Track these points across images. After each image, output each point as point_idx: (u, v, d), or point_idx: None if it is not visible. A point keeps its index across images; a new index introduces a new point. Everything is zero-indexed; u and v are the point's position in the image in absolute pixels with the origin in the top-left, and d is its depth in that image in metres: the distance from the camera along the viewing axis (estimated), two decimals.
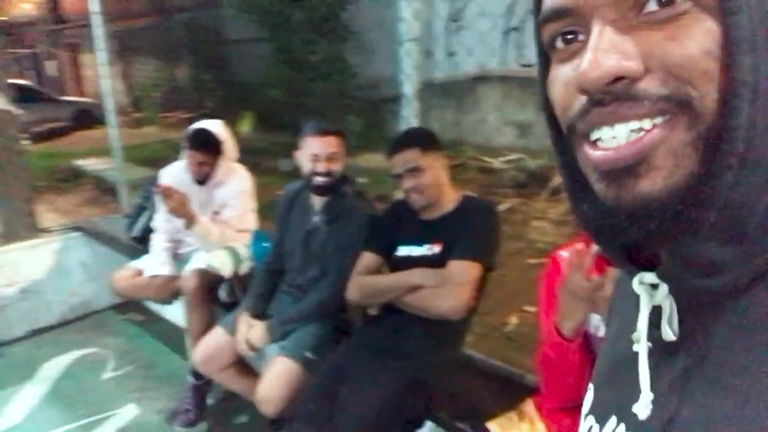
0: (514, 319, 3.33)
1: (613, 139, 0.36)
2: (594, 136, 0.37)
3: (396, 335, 1.86)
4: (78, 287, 3.79)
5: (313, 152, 2.09)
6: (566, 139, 0.40)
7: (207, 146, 2.56)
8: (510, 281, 3.53)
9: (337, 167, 2.12)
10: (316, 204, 2.20)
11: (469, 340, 2.17)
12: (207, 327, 2.47)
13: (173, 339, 3.31)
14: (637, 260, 0.42)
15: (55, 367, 3.22)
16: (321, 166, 2.09)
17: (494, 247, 1.82)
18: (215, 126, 2.64)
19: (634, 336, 0.43)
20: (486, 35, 7.78)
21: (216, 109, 9.84)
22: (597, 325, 1.29)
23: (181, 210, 2.47)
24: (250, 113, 8.55)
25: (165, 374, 3.09)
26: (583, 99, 0.37)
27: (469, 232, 1.78)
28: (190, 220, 2.50)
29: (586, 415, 0.49)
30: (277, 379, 2.02)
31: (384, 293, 1.87)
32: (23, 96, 12.35)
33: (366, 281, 1.90)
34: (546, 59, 0.42)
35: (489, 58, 7.93)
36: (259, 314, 2.25)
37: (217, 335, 2.32)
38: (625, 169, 0.36)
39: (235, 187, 2.67)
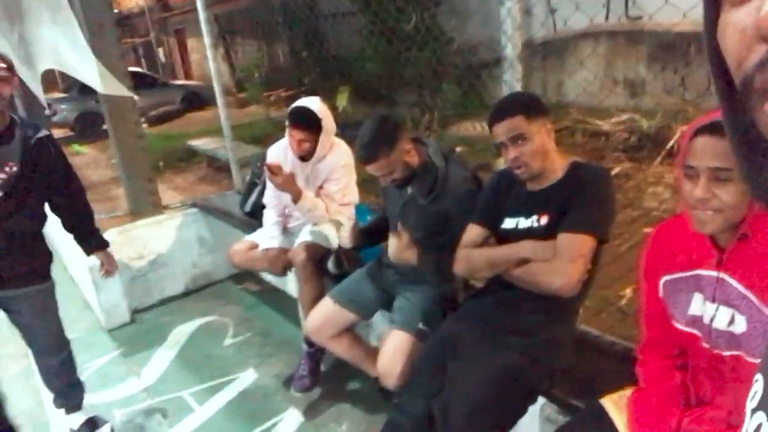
0: (629, 293, 3.18)
1: None
2: None
3: (505, 310, 1.82)
4: (198, 259, 4.08)
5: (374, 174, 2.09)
6: (740, 96, 0.35)
7: (306, 124, 2.62)
8: (624, 252, 3.36)
9: (400, 172, 2.09)
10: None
11: (583, 315, 2.09)
12: (317, 297, 2.57)
13: (287, 308, 3.49)
14: None
15: (182, 333, 3.51)
16: (387, 180, 2.10)
17: (608, 218, 1.70)
18: (314, 103, 2.69)
19: None
20: None
21: (314, 85, 10.05)
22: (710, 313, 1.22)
23: (288, 186, 2.56)
24: (346, 87, 8.65)
25: (281, 341, 3.27)
26: (763, 48, 0.32)
27: (580, 201, 1.66)
28: (296, 196, 2.59)
29: (754, 411, 0.44)
30: (395, 352, 2.07)
31: (492, 266, 1.82)
32: (139, 82, 13.35)
33: (474, 254, 1.86)
34: (715, 1, 0.36)
35: (594, 12, 7.45)
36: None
37: (326, 305, 2.41)
38: None
39: (337, 161, 2.73)
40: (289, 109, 2.70)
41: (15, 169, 2.12)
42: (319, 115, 2.63)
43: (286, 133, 2.69)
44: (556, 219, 1.70)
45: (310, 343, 2.69)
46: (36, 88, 4.02)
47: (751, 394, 0.45)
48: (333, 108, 9.24)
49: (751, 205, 1.12)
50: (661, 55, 6.88)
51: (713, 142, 1.10)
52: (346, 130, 3.14)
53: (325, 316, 2.40)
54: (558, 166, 1.77)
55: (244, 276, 4.09)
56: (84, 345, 3.31)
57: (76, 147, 9.52)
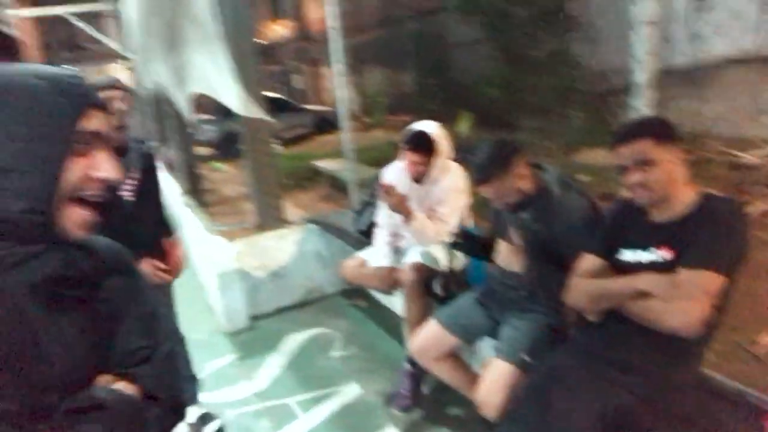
0: (766, 339, 2.85)
1: None
2: None
3: (620, 345, 1.70)
4: (313, 273, 4.26)
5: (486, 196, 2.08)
6: None
7: (421, 147, 2.67)
8: (763, 295, 3.02)
9: (513, 197, 2.06)
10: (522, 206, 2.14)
11: (710, 359, 1.90)
12: (423, 318, 2.58)
13: (394, 326, 3.52)
14: None
15: (293, 342, 3.66)
16: (499, 203, 2.08)
17: (738, 254, 1.54)
18: (429, 127, 2.73)
19: None
20: (740, 13, 6.76)
21: (437, 110, 10.19)
22: None
23: (400, 207, 2.61)
24: (468, 113, 8.67)
25: (385, 358, 3.31)
26: None
27: (708, 235, 1.53)
28: (407, 216, 2.63)
29: None
30: (495, 382, 2.02)
31: (607, 299, 1.71)
32: (275, 106, 14.32)
33: (588, 284, 1.76)
34: None
35: (742, 38, 6.87)
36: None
37: (432, 327, 2.40)
38: None
39: (450, 184, 2.74)
40: (406, 132, 2.76)
41: (137, 175, 2.34)
42: (434, 139, 2.66)
43: (402, 156, 2.76)
44: (681, 254, 1.57)
45: (413, 363, 2.69)
46: (186, 108, 4.47)
47: None
48: (453, 133, 9.31)
49: None
50: None
51: None
52: (465, 155, 3.14)
53: (429, 338, 2.40)
54: (686, 197, 1.64)
55: (354, 292, 4.20)
56: (204, 346, 3.57)
57: (217, 164, 10.37)
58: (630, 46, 2.00)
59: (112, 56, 13.76)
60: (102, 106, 0.81)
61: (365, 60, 13.77)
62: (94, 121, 0.79)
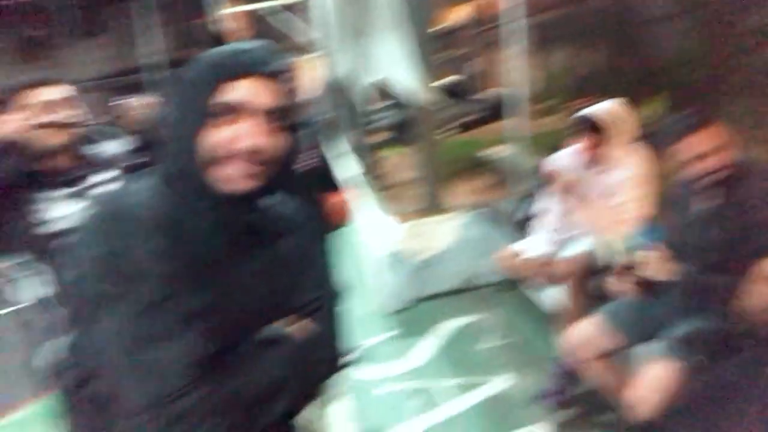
0: None
1: None
2: None
3: None
4: (472, 261, 4.21)
5: (691, 154, 1.82)
6: None
7: (596, 129, 2.48)
8: None
9: (726, 158, 1.80)
10: (707, 198, 1.91)
11: None
12: (583, 314, 2.43)
13: (550, 320, 3.37)
14: None
15: (448, 327, 3.68)
16: (707, 166, 1.81)
17: None
18: (609, 108, 2.52)
19: None
20: None
21: (625, 93, 9.42)
22: None
23: (567, 194, 2.47)
24: (660, 95, 7.86)
25: (538, 353, 3.18)
26: None
27: None
28: (575, 204, 2.48)
29: None
30: (653, 381, 1.86)
31: None
32: (450, 92, 14.38)
33: None
34: None
35: None
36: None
37: (593, 324, 2.25)
38: None
39: (627, 172, 2.51)
40: (578, 114, 2.59)
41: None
42: (612, 120, 2.45)
43: (575, 139, 2.60)
44: None
45: (566, 361, 2.55)
46: (365, 95, 4.71)
47: None
48: (644, 116, 8.51)
49: None
50: None
51: None
52: (657, 140, 2.86)
53: (587, 336, 2.25)
54: None
55: (513, 283, 4.08)
56: (364, 323, 3.74)
57: (391, 149, 10.75)
58: None
59: (304, 49, 14.97)
60: (267, 76, 0.83)
61: (547, 40, 13.17)
62: (241, 92, 0.81)
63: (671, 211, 2.11)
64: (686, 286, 2.03)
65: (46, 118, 1.56)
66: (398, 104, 12.29)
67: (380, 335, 3.68)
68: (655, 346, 2.01)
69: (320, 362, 0.94)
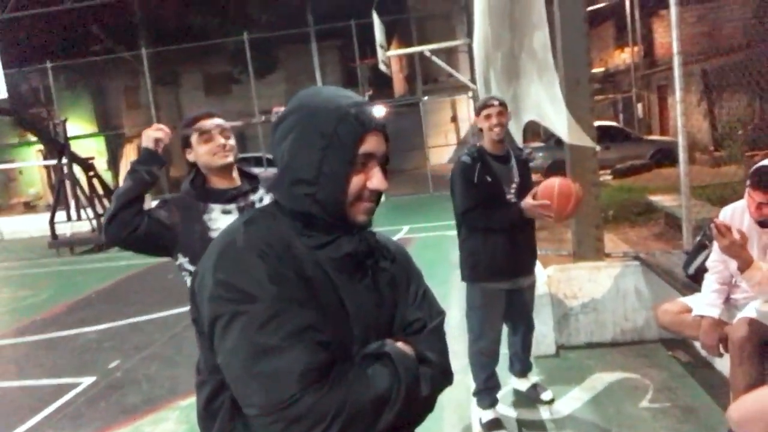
0: None
1: None
2: None
3: None
4: (631, 313, 4.00)
5: None
6: None
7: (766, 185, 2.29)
8: None
9: None
10: None
11: None
12: (752, 385, 2.22)
13: (718, 389, 3.09)
14: None
15: (600, 380, 3.51)
16: None
17: None
18: None
19: None
20: None
21: None
22: None
23: (735, 251, 2.29)
24: None
25: (701, 422, 2.92)
26: None
27: None
28: (745, 264, 2.30)
29: None
30: None
31: None
32: (610, 135, 13.76)
33: None
34: None
35: None
36: None
37: (762, 397, 2.06)
38: None
39: None
40: (753, 167, 2.42)
41: (517, 179, 2.95)
42: None
43: (746, 195, 2.42)
44: None
45: None
46: (518, 136, 4.72)
47: None
48: None
49: None
50: None
51: None
52: None
53: (756, 410, 2.05)
54: None
55: (676, 342, 3.79)
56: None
57: None
58: None
59: (463, 88, 15.28)
60: (380, 130, 1.01)
61: (723, 86, 12.18)
62: (371, 144, 0.99)
63: None
64: None
65: (221, 142, 1.91)
66: (554, 145, 12.07)
67: (527, 379, 3.62)
68: None
69: (427, 377, 1.01)
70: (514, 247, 2.92)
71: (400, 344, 1.01)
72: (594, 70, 17.84)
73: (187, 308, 1.05)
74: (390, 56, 13.78)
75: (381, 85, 21.09)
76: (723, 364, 3.09)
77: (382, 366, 0.95)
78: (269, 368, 0.87)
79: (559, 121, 3.81)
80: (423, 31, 19.07)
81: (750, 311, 2.40)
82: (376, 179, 1.00)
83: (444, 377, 1.06)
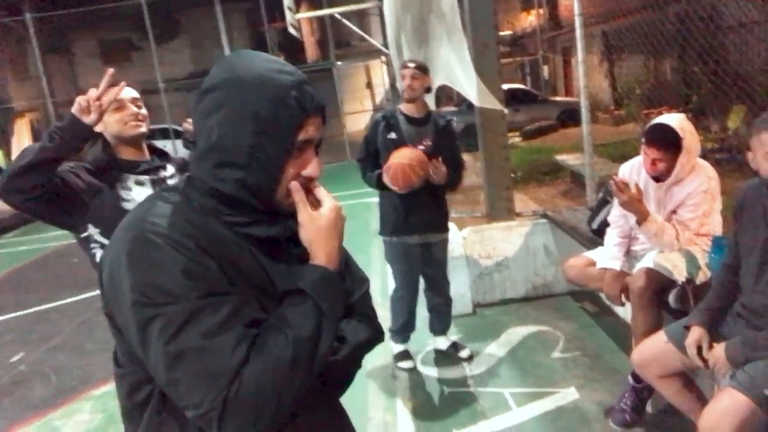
0: None
1: None
2: None
3: None
4: (541, 269, 4.19)
5: None
6: None
7: (663, 143, 2.42)
8: None
9: None
10: None
11: None
12: (651, 330, 2.38)
13: (622, 334, 3.31)
14: None
15: (515, 334, 3.68)
16: None
17: None
18: (675, 120, 2.46)
19: None
20: None
21: (703, 102, 9.02)
22: None
23: (634, 205, 2.43)
24: (742, 107, 7.49)
25: (609, 367, 3.13)
26: None
27: None
28: (642, 217, 2.44)
29: None
30: (725, 413, 1.79)
31: None
32: (517, 98, 14.21)
33: None
34: None
35: None
36: (711, 331, 2.04)
37: (659, 340, 2.21)
38: None
39: (696, 186, 2.45)
40: (647, 125, 2.55)
41: (429, 143, 3.04)
42: (680, 134, 2.41)
43: (641, 151, 2.55)
44: None
45: (637, 378, 2.50)
46: (430, 100, 4.74)
47: None
48: (724, 129, 8.12)
49: None
50: None
51: None
52: (735, 154, 2.77)
53: (654, 353, 2.21)
54: None
55: (583, 294, 4.02)
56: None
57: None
58: None
59: (376, 53, 15.16)
60: (320, 113, 0.96)
61: (621, 47, 12.80)
62: (311, 129, 0.94)
63: (745, 216, 2.02)
64: (751, 310, 1.95)
65: (134, 110, 1.84)
66: (467, 109, 12.30)
67: (447, 337, 3.72)
68: (730, 372, 1.91)
69: (360, 330, 1.01)
70: (421, 205, 3.09)
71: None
72: (501, 33, 18.22)
73: (96, 292, 0.96)
74: (299, 19, 13.39)
75: (292, 50, 20.50)
76: (625, 312, 3.31)
77: (301, 301, 0.91)
78: (198, 368, 0.81)
79: (468, 84, 3.84)
80: None
81: (648, 261, 2.56)
82: (311, 167, 0.96)
83: (376, 332, 1.06)
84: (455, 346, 3.49)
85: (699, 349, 2.02)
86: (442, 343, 3.52)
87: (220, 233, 0.91)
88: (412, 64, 3.09)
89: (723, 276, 2.12)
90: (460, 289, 4.00)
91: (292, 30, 11.97)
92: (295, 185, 0.95)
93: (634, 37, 12.20)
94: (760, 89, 7.04)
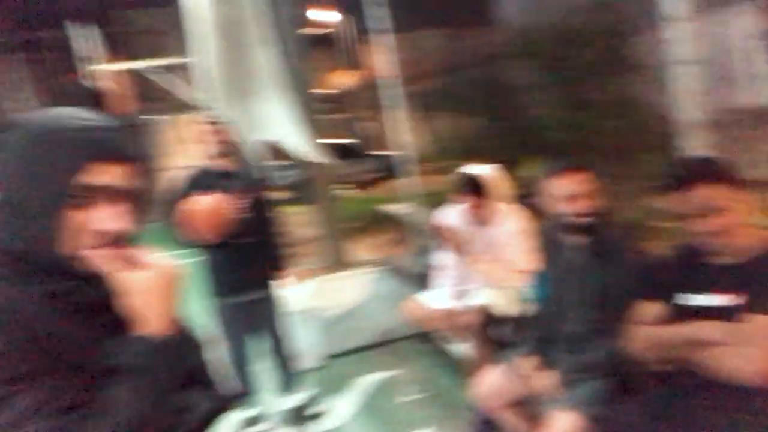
0: None
1: None
2: None
3: (689, 399, 1.65)
4: (386, 315, 4.29)
5: (564, 193, 2.03)
6: None
7: (475, 190, 2.74)
8: None
9: (593, 204, 2.02)
10: (574, 245, 2.12)
11: None
12: (487, 363, 2.59)
13: (462, 372, 3.52)
14: None
15: (366, 383, 3.73)
16: (577, 207, 2.01)
17: None
18: (484, 170, 2.80)
19: None
20: None
21: (505, 154, 10.19)
22: None
23: (456, 248, 2.67)
24: (532, 157, 8.65)
25: (458, 405, 3.23)
26: None
27: None
28: (469, 258, 2.69)
29: None
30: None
31: (667, 346, 1.68)
32: (344, 152, 14.83)
33: (647, 332, 1.74)
34: None
35: None
36: (541, 358, 2.26)
37: (495, 373, 2.38)
38: None
39: (510, 227, 2.78)
40: (459, 174, 2.85)
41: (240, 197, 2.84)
42: (487, 182, 2.73)
43: (461, 199, 2.84)
44: (750, 300, 1.54)
45: (480, 413, 2.67)
46: (254, 154, 4.72)
47: None
48: (518, 177, 9.24)
49: None
50: None
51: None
52: (532, 199, 3.17)
53: (492, 385, 2.37)
54: (753, 239, 1.60)
55: (425, 336, 4.22)
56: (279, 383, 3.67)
57: (290, 208, 10.80)
58: (674, 84, 1.98)
59: (189, 107, 14.68)
60: (118, 160, 0.86)
61: (431, 106, 14.09)
62: (101, 175, 0.84)
63: (546, 253, 2.31)
64: (569, 335, 2.20)
65: None
66: (293, 164, 12.45)
67: (297, 395, 3.65)
68: (562, 396, 2.13)
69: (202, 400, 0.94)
70: (242, 262, 2.93)
71: None
72: (326, 90, 18.94)
73: None
74: (107, 71, 12.61)
75: (98, 104, 19.01)
76: (465, 349, 3.55)
77: (124, 383, 0.82)
78: None
79: (298, 138, 3.93)
80: (142, 46, 17.80)
81: (479, 299, 2.81)
82: (102, 218, 0.84)
83: (221, 400, 0.99)
84: (307, 403, 3.43)
85: (532, 376, 2.23)
86: (292, 401, 3.44)
87: (21, 305, 0.80)
88: (209, 119, 2.99)
89: (545, 307, 2.37)
90: (309, 342, 3.98)
91: (94, 83, 11.21)
92: (91, 247, 0.84)
93: (442, 97, 13.56)
94: (556, 142, 8.17)
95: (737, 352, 1.50)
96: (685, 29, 1.91)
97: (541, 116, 9.37)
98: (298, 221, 9.53)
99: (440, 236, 2.67)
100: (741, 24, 7.17)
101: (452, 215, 2.96)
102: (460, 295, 3.03)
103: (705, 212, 1.56)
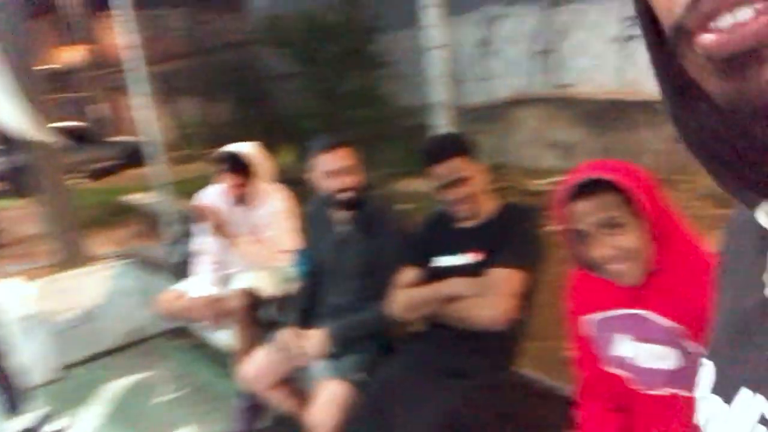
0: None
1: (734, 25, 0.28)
2: (709, 27, 0.29)
3: (444, 352, 1.82)
4: (131, 313, 3.90)
5: (329, 168, 2.07)
6: (671, 45, 0.33)
7: (238, 168, 2.65)
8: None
9: (356, 179, 2.10)
10: (341, 220, 2.19)
11: (529, 365, 2.04)
12: (254, 346, 2.50)
13: (227, 363, 3.38)
14: (756, 186, 0.33)
15: (114, 389, 3.33)
16: (341, 182, 2.07)
17: (538, 254, 1.76)
18: (245, 148, 2.73)
19: (765, 277, 0.36)
20: (516, 59, 7.92)
21: (257, 142, 10.13)
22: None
23: (219, 230, 2.55)
24: (288, 145, 8.77)
25: (220, 397, 3.12)
26: None
27: (511, 238, 1.74)
28: (230, 241, 2.58)
29: (708, 396, 0.42)
30: (328, 403, 1.99)
31: (423, 305, 1.84)
32: (76, 136, 13.00)
33: (405, 294, 1.88)
34: None
35: (520, 81, 8.05)
36: (306, 331, 2.25)
37: (263, 354, 2.34)
38: (751, 53, 0.28)
39: (273, 207, 2.74)
40: (220, 153, 2.72)
41: None
42: (250, 160, 2.66)
43: (221, 180, 2.71)
44: (491, 256, 1.75)
45: (245, 398, 2.60)
46: None
47: (700, 381, 0.44)
48: (277, 164, 9.31)
49: (659, 240, 1.16)
50: (589, 119, 7.37)
51: (592, 203, 1.16)
52: (291, 186, 3.16)
53: (259, 366, 2.32)
54: (491, 204, 1.84)
55: (179, 330, 3.95)
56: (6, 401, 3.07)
57: (5, 202, 9.10)
58: (425, 70, 2.16)
59: None
60: None
61: (175, 90, 13.24)
62: None
63: (312, 228, 2.35)
64: (335, 306, 2.25)
65: None
66: (13, 148, 10.47)
67: (32, 413, 3.09)
68: (326, 366, 2.16)
69: None
70: None
71: None
72: (50, 66, 16.44)
73: None
74: None
75: None
76: (225, 337, 3.40)
77: None
78: None
79: (16, 120, 3.34)
80: None
81: (241, 282, 2.71)
82: None
83: None
84: (40, 423, 2.92)
85: (298, 349, 2.22)
86: (20, 423, 2.90)
87: None
88: None
89: (307, 284, 2.40)
90: (40, 352, 3.39)
91: None
92: None
93: (185, 81, 12.81)
94: (305, 130, 8.37)
95: (480, 302, 1.70)
96: (434, 16, 2.06)
97: (290, 104, 9.54)
98: (13, 216, 8.14)
99: (201, 218, 2.49)
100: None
101: (214, 196, 2.80)
102: (223, 280, 2.89)
103: (454, 182, 1.76)
